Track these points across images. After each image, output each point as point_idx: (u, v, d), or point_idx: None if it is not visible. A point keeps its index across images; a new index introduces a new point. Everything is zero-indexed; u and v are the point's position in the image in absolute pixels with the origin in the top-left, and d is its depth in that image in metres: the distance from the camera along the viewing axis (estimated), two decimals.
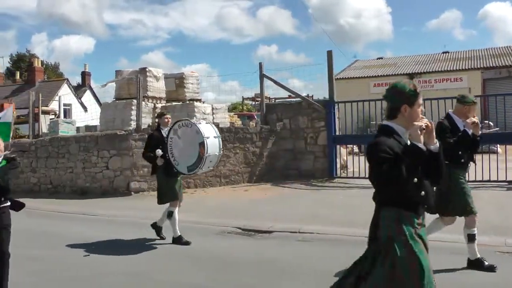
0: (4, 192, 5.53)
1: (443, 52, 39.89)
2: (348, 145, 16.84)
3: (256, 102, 35.10)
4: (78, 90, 42.08)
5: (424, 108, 13.63)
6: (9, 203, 5.66)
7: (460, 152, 6.12)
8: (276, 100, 28.37)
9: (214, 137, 8.25)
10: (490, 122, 18.70)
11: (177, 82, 18.77)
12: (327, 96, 16.17)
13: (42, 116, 20.16)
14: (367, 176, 14.09)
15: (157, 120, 9.19)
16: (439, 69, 34.32)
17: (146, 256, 7.67)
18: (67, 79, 41.17)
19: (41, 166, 15.96)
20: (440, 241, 6.91)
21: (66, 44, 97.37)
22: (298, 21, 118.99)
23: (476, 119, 6.14)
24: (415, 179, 3.30)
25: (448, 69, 34.05)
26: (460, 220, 6.28)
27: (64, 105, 30.77)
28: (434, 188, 3.82)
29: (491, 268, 6.10)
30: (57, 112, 27.33)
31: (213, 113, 17.38)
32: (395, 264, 3.27)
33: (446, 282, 5.32)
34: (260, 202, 12.31)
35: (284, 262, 7.06)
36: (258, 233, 9.10)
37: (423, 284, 3.23)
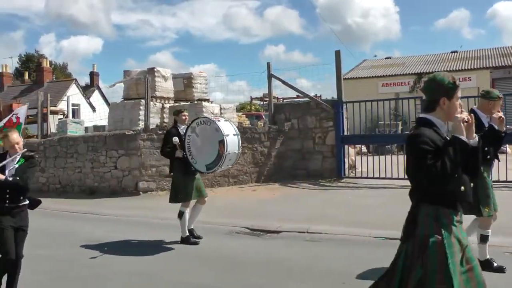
0: (23, 191, 5.52)
1: (452, 52, 39.70)
2: (356, 145, 16.80)
3: (264, 102, 35.06)
4: (87, 90, 42.19)
5: None
6: (27, 202, 5.65)
7: (486, 148, 6.01)
8: (284, 100, 28.37)
9: (234, 134, 8.10)
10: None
11: (185, 82, 18.79)
12: (335, 96, 16.12)
13: (50, 116, 20.23)
14: (375, 176, 14.18)
15: (174, 117, 8.96)
16: (448, 69, 34.08)
17: (155, 256, 7.68)
18: (76, 79, 41.34)
19: (49, 166, 16.03)
20: None
21: (74, 45, 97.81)
22: (305, 20, 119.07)
23: (502, 115, 6.05)
24: (456, 174, 3.20)
25: (457, 68, 33.86)
26: (468, 219, 6.23)
27: (73, 105, 30.92)
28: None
29: (501, 269, 6.07)
30: (66, 112, 27.48)
31: (221, 113, 17.37)
32: (426, 264, 3.18)
33: None
34: (268, 202, 12.31)
35: (292, 262, 7.05)
36: (266, 233, 9.09)
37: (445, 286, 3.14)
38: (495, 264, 6.12)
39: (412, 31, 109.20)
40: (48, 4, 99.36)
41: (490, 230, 6.16)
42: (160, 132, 14.63)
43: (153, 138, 14.55)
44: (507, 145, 16.62)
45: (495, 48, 38.10)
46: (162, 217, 10.65)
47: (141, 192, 14.33)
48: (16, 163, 5.54)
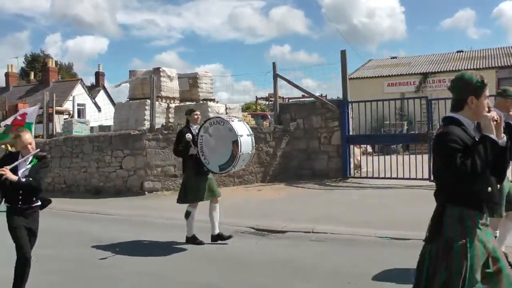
0: (36, 192, 5.50)
1: (457, 52, 39.60)
2: (361, 145, 16.78)
3: (270, 102, 35.10)
4: (92, 90, 42.27)
5: (438, 108, 13.54)
6: (39, 203, 5.63)
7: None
8: (290, 100, 28.37)
9: (247, 135, 8.00)
10: None
11: (190, 82, 18.82)
12: (340, 96, 16.12)
13: (56, 116, 20.26)
14: (380, 176, 14.13)
15: (186, 116, 8.79)
16: (453, 69, 34.02)
17: (162, 256, 7.68)
18: (81, 79, 41.44)
19: (55, 165, 16.05)
20: None
21: (79, 45, 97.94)
22: (311, 20, 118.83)
23: None
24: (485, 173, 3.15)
25: (462, 68, 33.62)
26: None
27: (78, 105, 30.98)
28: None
29: None
30: (71, 112, 27.51)
31: (226, 113, 17.38)
32: (451, 267, 3.15)
33: None
34: (273, 202, 12.31)
35: (298, 262, 7.04)
36: (271, 233, 9.09)
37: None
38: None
39: (417, 31, 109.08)
40: (53, 4, 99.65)
41: (498, 231, 6.14)
42: (165, 132, 14.66)
43: (158, 138, 14.57)
44: None
45: (501, 48, 37.97)
46: (167, 217, 10.66)
47: (146, 192, 14.35)
48: (29, 164, 5.50)
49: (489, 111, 3.27)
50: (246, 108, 37.79)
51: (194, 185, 8.18)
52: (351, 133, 15.38)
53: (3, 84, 42.71)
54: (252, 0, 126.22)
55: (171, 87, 18.05)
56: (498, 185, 3.44)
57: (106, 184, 15.17)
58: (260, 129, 15.92)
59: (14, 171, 5.33)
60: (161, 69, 17.77)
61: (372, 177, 14.28)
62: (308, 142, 15.70)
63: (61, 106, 28.71)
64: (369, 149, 18.30)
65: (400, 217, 9.52)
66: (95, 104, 38.44)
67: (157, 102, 16.14)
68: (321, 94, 25.74)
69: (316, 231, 8.83)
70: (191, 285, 6.26)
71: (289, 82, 16.78)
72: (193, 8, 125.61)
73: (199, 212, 8.43)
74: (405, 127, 24.73)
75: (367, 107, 14.88)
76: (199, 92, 18.60)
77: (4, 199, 5.50)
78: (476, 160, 3.04)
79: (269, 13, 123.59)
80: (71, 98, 30.56)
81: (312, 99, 16.81)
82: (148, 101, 16.09)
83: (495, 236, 6.14)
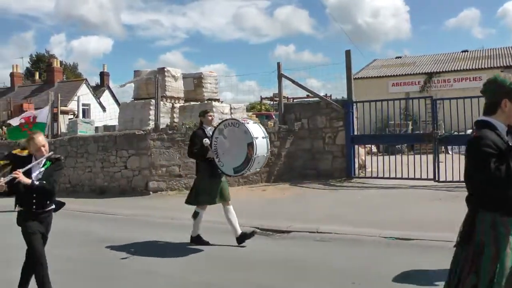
0: (50, 195, 5.41)
1: (462, 51, 39.51)
2: (366, 145, 16.76)
3: (274, 102, 35.08)
4: (97, 90, 42.37)
5: (443, 108, 13.50)
6: (53, 206, 5.55)
7: None
8: (294, 100, 28.41)
9: (263, 137, 7.91)
10: None
11: (195, 82, 18.86)
12: (345, 96, 16.12)
13: (61, 116, 20.34)
14: (385, 176, 14.09)
15: (199, 118, 8.67)
16: (458, 68, 33.99)
17: (166, 256, 7.69)
18: (86, 79, 41.45)
19: None
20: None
21: (84, 45, 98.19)
22: (315, 20, 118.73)
23: None
24: None
25: (467, 68, 33.74)
26: None
27: (83, 105, 30.98)
28: None
29: None
30: (76, 112, 27.54)
31: (231, 113, 17.41)
32: (480, 272, 3.09)
33: None
34: (278, 202, 12.31)
35: (302, 262, 7.04)
36: (276, 233, 9.09)
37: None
38: None
39: (422, 31, 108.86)
40: (58, 4, 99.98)
41: None
42: (170, 131, 14.67)
43: (163, 138, 14.58)
44: None
45: (506, 47, 37.85)
46: (172, 217, 10.68)
47: (151, 192, 14.36)
48: (43, 167, 5.39)
49: None
50: (250, 108, 37.78)
51: (207, 188, 8.05)
52: (355, 133, 15.35)
53: (8, 84, 42.83)
54: (256, 0, 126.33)
55: (175, 87, 18.09)
56: None
57: (110, 184, 15.20)
58: (265, 129, 15.88)
59: (28, 174, 5.22)
60: (165, 69, 17.82)
61: (377, 177, 14.25)
62: (313, 142, 15.69)
63: (66, 106, 28.75)
64: (374, 149, 18.28)
65: (404, 217, 9.51)
66: (100, 104, 38.51)
67: (161, 102, 16.17)
68: (326, 94, 25.78)
69: (321, 231, 8.82)
70: (195, 285, 6.26)
71: (293, 82, 16.77)
72: (198, 8, 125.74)
73: (206, 212, 8.41)
74: (410, 127, 24.67)
75: (371, 107, 14.85)
76: (204, 92, 18.64)
77: (18, 203, 5.39)
78: (511, 165, 2.98)
79: (273, 13, 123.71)
80: (76, 98, 30.51)
81: (317, 99, 16.80)
82: (153, 101, 16.11)
83: None
